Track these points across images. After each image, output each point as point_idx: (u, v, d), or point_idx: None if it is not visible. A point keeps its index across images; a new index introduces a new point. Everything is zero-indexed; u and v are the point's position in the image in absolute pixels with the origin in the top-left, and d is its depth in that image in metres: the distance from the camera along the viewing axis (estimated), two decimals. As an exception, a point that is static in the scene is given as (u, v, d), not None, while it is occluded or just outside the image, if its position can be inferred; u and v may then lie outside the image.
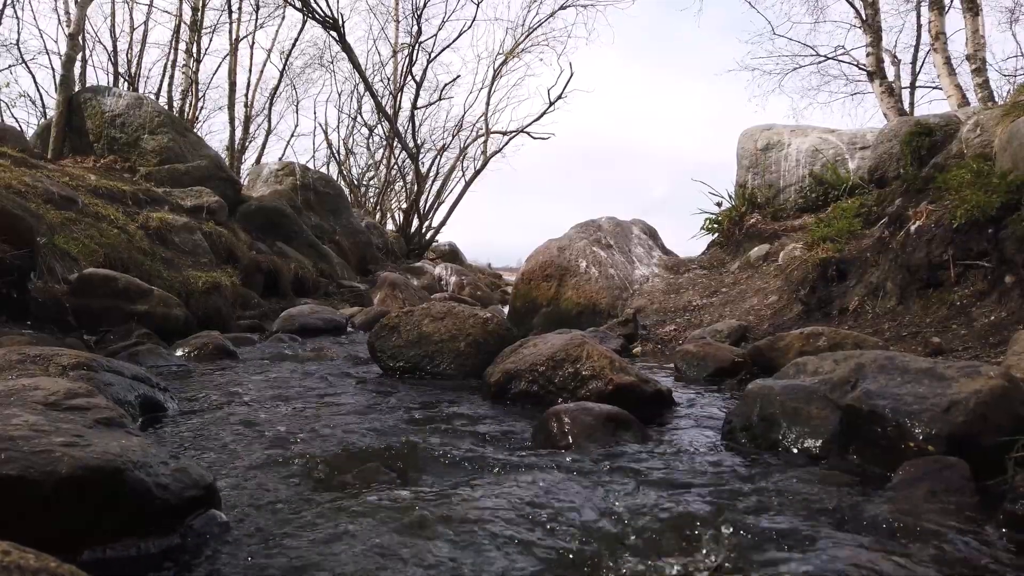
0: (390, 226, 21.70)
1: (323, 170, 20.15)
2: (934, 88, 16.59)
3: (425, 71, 19.00)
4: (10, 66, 17.10)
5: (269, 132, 21.71)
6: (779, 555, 1.43)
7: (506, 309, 8.62)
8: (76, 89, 11.17)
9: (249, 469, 2.04)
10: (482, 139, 20.55)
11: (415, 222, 19.37)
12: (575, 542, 1.52)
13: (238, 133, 18.44)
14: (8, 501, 1.23)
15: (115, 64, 17.34)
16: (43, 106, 17.52)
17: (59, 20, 16.99)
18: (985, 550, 1.44)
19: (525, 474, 2.00)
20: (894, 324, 4.36)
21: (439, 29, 19.53)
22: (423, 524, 1.58)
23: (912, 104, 16.25)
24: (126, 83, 17.15)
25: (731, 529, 1.55)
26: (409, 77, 18.74)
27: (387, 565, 1.38)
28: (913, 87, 16.83)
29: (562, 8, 20.08)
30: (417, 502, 1.73)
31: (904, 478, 1.81)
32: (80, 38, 12.47)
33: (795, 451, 2.24)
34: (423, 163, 20.21)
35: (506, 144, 20.67)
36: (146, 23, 17.73)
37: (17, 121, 17.49)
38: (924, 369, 2.14)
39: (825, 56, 15.28)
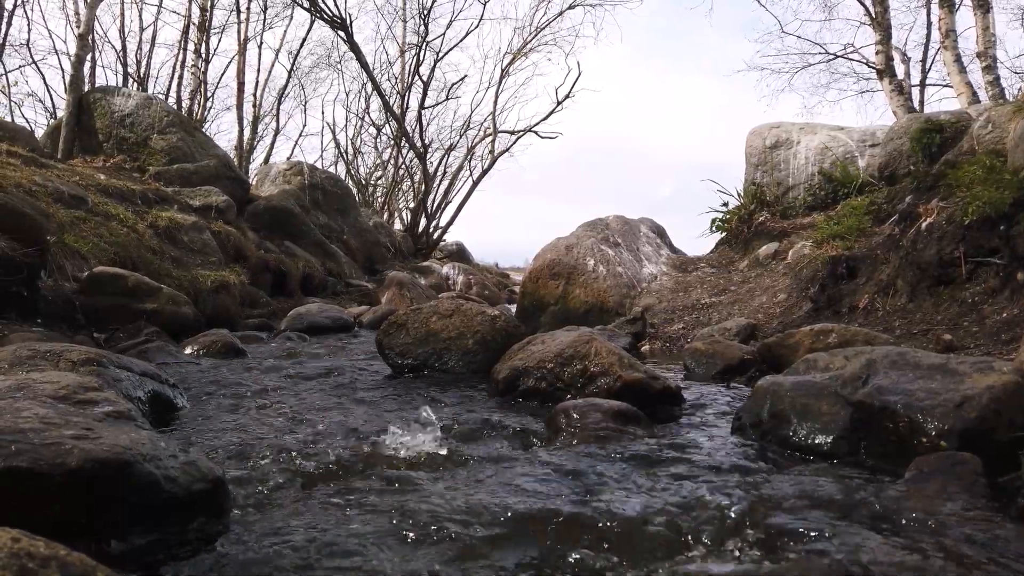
0: (398, 225, 21.76)
1: (331, 169, 20.22)
2: (944, 86, 16.54)
3: (433, 71, 19.05)
4: (20, 66, 17.24)
5: (277, 132, 21.83)
6: (789, 550, 1.42)
7: (514, 308, 8.61)
8: (86, 89, 11.24)
9: (257, 464, 2.04)
10: (489, 138, 20.58)
11: (423, 221, 19.40)
12: (583, 537, 1.51)
13: (246, 133, 18.53)
14: (19, 492, 1.23)
15: (124, 64, 17.46)
16: (53, 106, 17.68)
17: (68, 20, 17.11)
18: (997, 546, 1.42)
19: (534, 470, 1.99)
20: (905, 321, 4.33)
21: (447, 29, 19.58)
22: (430, 520, 1.58)
23: (922, 102, 16.18)
24: (135, 83, 17.25)
25: (741, 525, 1.54)
26: (417, 77, 18.78)
27: (393, 561, 1.38)
28: (923, 85, 16.76)
29: (570, 7, 20.10)
30: (425, 498, 1.73)
31: (916, 474, 1.80)
32: (89, 38, 12.54)
33: (805, 447, 2.23)
34: (431, 162, 20.25)
35: (513, 143, 20.72)
36: (155, 23, 17.86)
37: (27, 121, 17.67)
38: (936, 365, 2.12)
39: (835, 54, 15.26)
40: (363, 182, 23.74)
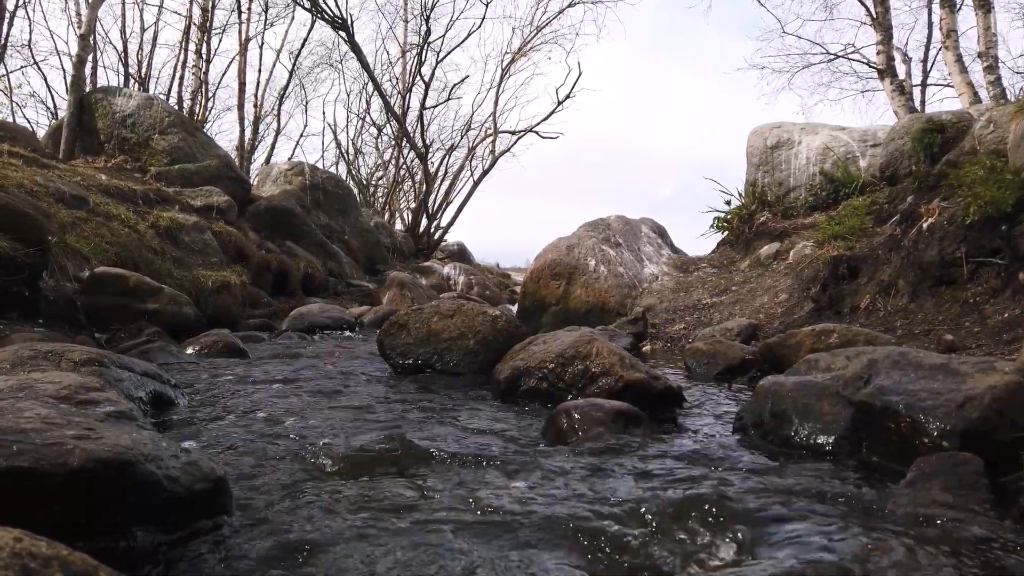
0: (399, 226, 21.75)
1: (332, 170, 20.20)
2: (945, 86, 16.53)
3: (434, 71, 19.03)
4: (22, 67, 17.26)
5: (278, 132, 21.80)
6: (791, 551, 1.42)
7: (515, 308, 8.61)
8: (87, 89, 11.25)
9: (258, 464, 2.04)
10: (490, 138, 20.57)
11: (424, 222, 19.39)
12: (584, 538, 1.51)
13: (247, 133, 18.53)
14: (21, 492, 1.24)
15: (125, 65, 17.45)
16: (54, 106, 17.66)
17: (70, 21, 17.12)
18: (999, 546, 1.42)
19: (535, 470, 1.99)
20: (906, 322, 4.32)
21: (447, 29, 19.56)
22: (432, 521, 1.57)
23: (923, 102, 16.17)
24: (136, 83, 17.25)
25: (743, 525, 1.54)
26: (418, 77, 18.77)
27: (395, 562, 1.38)
28: (924, 85, 16.75)
29: (570, 5, 20.09)
30: (426, 499, 1.73)
31: (917, 474, 1.79)
32: (91, 39, 12.55)
33: (807, 447, 2.23)
34: (432, 163, 20.24)
35: (514, 143, 20.70)
36: (156, 24, 17.87)
37: (29, 121, 17.63)
38: (938, 365, 2.12)
39: (835, 54, 15.22)
40: (364, 182, 23.73)
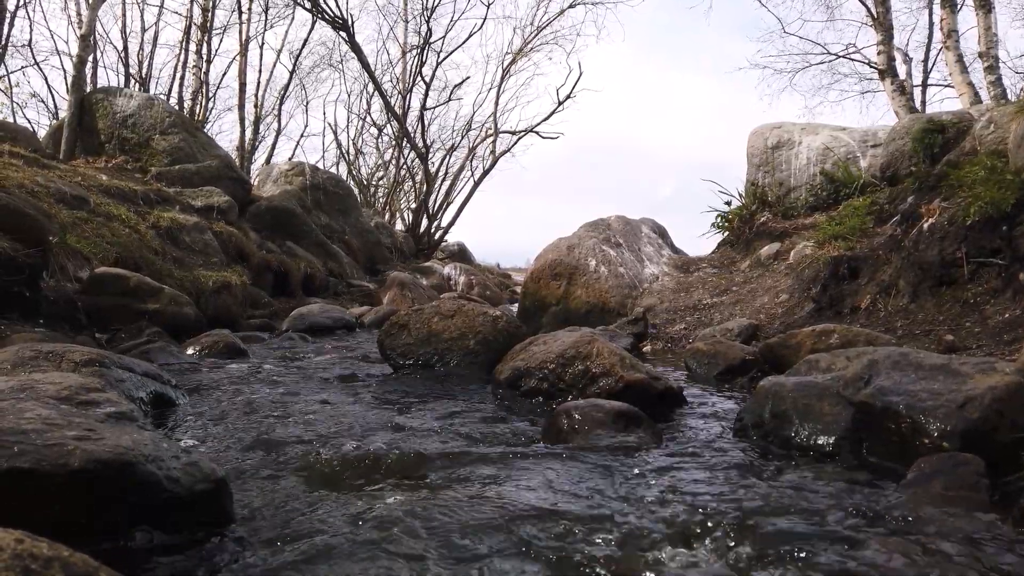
0: (399, 226, 21.75)
1: (332, 170, 20.19)
2: (946, 86, 16.55)
3: (435, 72, 19.03)
4: (22, 67, 17.27)
5: (279, 132, 21.79)
6: (791, 552, 1.42)
7: (515, 308, 8.61)
8: (88, 90, 11.25)
9: (259, 465, 2.04)
10: (491, 139, 20.57)
11: (424, 222, 19.39)
12: (585, 539, 1.51)
13: (248, 133, 18.52)
14: (22, 492, 1.24)
15: (126, 65, 17.46)
16: (55, 107, 17.68)
17: (70, 21, 17.13)
18: (1000, 547, 1.42)
19: (536, 471, 1.99)
20: (907, 322, 4.32)
21: (448, 30, 19.57)
22: (432, 522, 1.57)
23: (924, 102, 16.18)
24: (137, 84, 17.26)
25: (743, 525, 1.54)
26: (419, 77, 18.77)
27: (395, 563, 1.38)
28: (925, 85, 16.76)
29: (571, 6, 20.09)
30: (427, 500, 1.72)
31: (918, 475, 1.79)
32: (91, 39, 12.55)
33: (807, 448, 2.22)
34: (432, 163, 20.24)
35: (515, 144, 20.70)
36: (157, 24, 17.89)
37: (29, 122, 17.66)
38: (938, 365, 2.12)
39: (836, 54, 15.23)
40: (365, 183, 23.72)
